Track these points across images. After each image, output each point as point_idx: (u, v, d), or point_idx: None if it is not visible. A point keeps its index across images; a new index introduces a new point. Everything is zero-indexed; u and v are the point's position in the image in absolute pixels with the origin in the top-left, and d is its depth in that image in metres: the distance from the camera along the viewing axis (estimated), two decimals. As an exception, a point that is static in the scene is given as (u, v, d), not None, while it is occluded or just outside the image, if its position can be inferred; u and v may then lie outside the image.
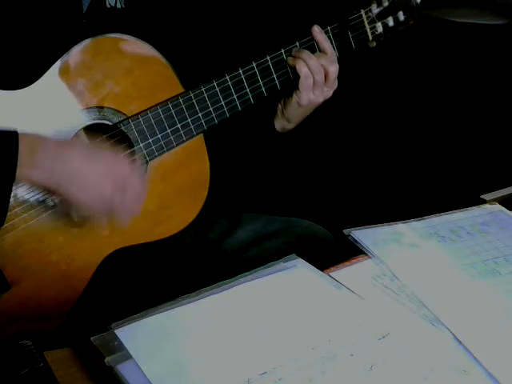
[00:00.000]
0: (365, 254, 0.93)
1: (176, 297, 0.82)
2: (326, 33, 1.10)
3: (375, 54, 1.22)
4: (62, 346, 0.78)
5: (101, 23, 1.04)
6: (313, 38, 1.09)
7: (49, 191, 0.93)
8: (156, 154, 1.05)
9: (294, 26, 1.17)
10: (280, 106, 1.16)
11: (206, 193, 1.09)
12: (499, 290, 0.87)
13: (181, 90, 1.06)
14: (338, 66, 1.10)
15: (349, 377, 0.71)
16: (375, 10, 1.12)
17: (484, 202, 1.06)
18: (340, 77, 1.11)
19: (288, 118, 1.16)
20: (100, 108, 1.00)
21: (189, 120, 1.06)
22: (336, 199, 2.09)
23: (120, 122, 1.02)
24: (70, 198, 0.90)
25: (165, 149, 1.05)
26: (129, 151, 1.03)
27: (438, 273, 0.90)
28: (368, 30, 1.13)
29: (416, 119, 2.16)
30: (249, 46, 1.40)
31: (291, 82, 1.10)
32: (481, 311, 0.84)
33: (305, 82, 1.08)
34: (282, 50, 1.09)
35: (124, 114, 1.02)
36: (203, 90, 1.06)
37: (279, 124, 1.18)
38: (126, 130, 1.02)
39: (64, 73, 0.97)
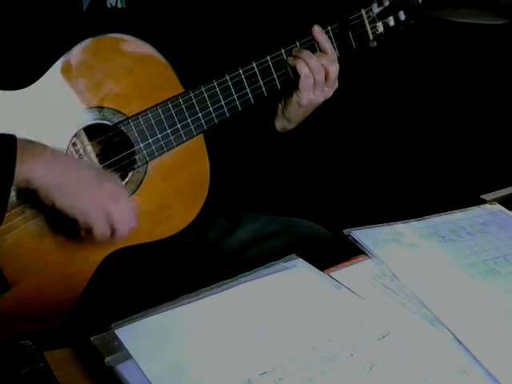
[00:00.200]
0: (365, 254, 0.93)
1: (176, 297, 0.82)
2: (327, 32, 1.10)
3: (376, 53, 1.22)
4: (62, 346, 0.78)
5: (101, 23, 1.04)
6: (313, 38, 1.09)
7: (45, 198, 0.90)
8: (156, 154, 1.05)
9: (295, 25, 1.17)
10: (280, 106, 1.16)
11: (205, 193, 1.09)
12: (499, 290, 0.87)
13: (181, 90, 1.06)
14: (338, 65, 1.10)
15: (349, 377, 0.71)
16: (376, 9, 1.12)
17: (484, 202, 1.06)
18: (340, 77, 1.11)
19: (288, 118, 1.16)
20: (100, 108, 1.00)
21: (189, 120, 1.06)
22: (336, 199, 2.09)
23: (120, 122, 1.02)
24: (68, 202, 0.90)
25: (165, 149, 1.05)
26: (129, 151, 1.03)
27: (438, 273, 0.90)
28: (369, 29, 1.13)
29: (416, 119, 2.16)
30: (249, 45, 1.39)
31: (291, 81, 1.10)
32: (481, 311, 0.84)
33: (305, 81, 1.08)
34: (283, 50, 1.09)
35: (124, 114, 1.02)
36: (203, 89, 1.06)
37: (279, 124, 1.18)
38: (125, 131, 1.02)
39: (64, 73, 0.97)
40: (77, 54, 0.97)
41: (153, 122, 1.03)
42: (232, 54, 1.21)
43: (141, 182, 1.04)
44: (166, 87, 1.05)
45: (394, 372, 0.73)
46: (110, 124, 1.02)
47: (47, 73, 0.96)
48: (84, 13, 1.03)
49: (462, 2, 2.09)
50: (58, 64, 0.97)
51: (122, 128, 1.02)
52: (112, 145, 1.02)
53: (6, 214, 0.93)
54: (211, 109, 1.07)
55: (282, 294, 0.84)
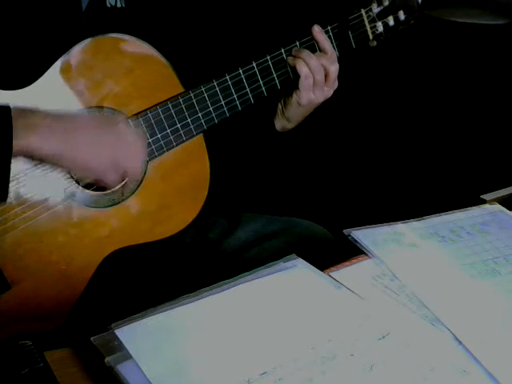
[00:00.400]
0: (365, 254, 0.93)
1: (176, 297, 0.82)
2: (327, 32, 1.10)
3: (376, 53, 1.22)
4: (62, 346, 0.78)
5: (101, 22, 1.04)
6: (313, 38, 1.09)
7: (50, 162, 0.90)
8: (156, 153, 1.05)
9: (294, 25, 1.17)
10: (280, 106, 1.16)
11: (205, 193, 1.09)
12: (499, 290, 0.87)
13: (181, 89, 1.06)
14: (338, 65, 1.10)
15: (349, 377, 0.71)
16: (376, 9, 1.12)
17: (484, 202, 1.06)
18: (340, 76, 1.11)
19: (288, 118, 1.16)
20: (100, 108, 1.00)
21: (189, 120, 1.06)
22: (336, 199, 2.09)
23: (120, 121, 1.02)
24: (74, 163, 0.90)
25: (165, 149, 1.05)
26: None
27: (438, 273, 0.90)
28: (368, 29, 1.13)
29: (416, 119, 2.16)
30: (249, 45, 1.39)
31: (291, 81, 1.10)
32: (481, 311, 0.84)
33: (305, 81, 1.08)
34: (282, 50, 1.09)
35: (124, 114, 1.02)
36: (203, 89, 1.06)
37: (279, 123, 1.18)
38: (125, 130, 1.02)
39: (64, 72, 0.97)
40: (76, 53, 0.97)
41: (152, 121, 1.03)
42: (232, 54, 1.21)
43: (140, 181, 1.04)
44: (165, 87, 1.05)
45: (394, 372, 0.73)
46: (110, 124, 1.02)
47: (47, 73, 0.96)
48: (83, 12, 1.03)
49: (461, 2, 2.09)
50: (58, 64, 0.97)
51: (122, 128, 1.02)
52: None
53: (7, 214, 0.93)
54: (211, 108, 1.07)
55: (281, 294, 0.84)
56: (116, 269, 1.06)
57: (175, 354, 0.74)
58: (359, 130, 2.17)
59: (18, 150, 0.85)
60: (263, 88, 1.09)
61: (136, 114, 1.03)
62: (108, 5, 1.06)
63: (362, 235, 0.95)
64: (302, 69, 1.07)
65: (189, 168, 1.08)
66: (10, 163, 0.85)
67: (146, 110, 1.03)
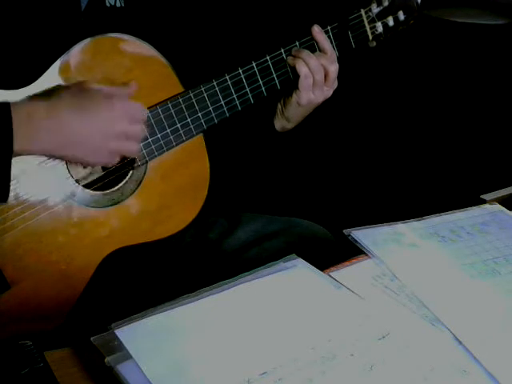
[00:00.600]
0: (365, 254, 0.93)
1: (176, 297, 0.82)
2: (326, 32, 1.10)
3: (375, 53, 1.22)
4: (62, 346, 0.78)
5: (100, 22, 1.04)
6: (313, 38, 1.09)
7: (50, 156, 0.94)
8: (156, 153, 1.04)
9: (294, 25, 1.17)
10: (280, 106, 1.16)
11: (205, 192, 1.09)
12: (499, 290, 0.87)
13: (180, 89, 1.06)
14: (337, 65, 1.10)
15: (349, 377, 0.71)
16: (375, 9, 1.12)
17: (484, 202, 1.06)
18: (340, 76, 1.11)
19: (288, 118, 1.16)
20: (100, 108, 1.00)
21: (188, 120, 1.06)
22: (336, 199, 2.09)
23: (120, 121, 1.02)
24: (73, 158, 0.93)
25: (164, 148, 1.05)
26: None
27: (438, 273, 0.90)
28: (368, 29, 1.13)
29: (416, 119, 2.16)
30: (248, 45, 1.39)
31: (291, 81, 1.10)
32: (481, 311, 0.84)
33: (304, 81, 1.08)
34: (282, 50, 1.09)
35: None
36: (203, 89, 1.06)
37: (279, 123, 1.18)
38: (125, 130, 1.02)
39: (63, 72, 0.97)
40: (76, 54, 0.97)
41: (152, 121, 1.03)
42: (232, 54, 1.21)
43: (140, 181, 1.04)
44: (165, 87, 1.05)
45: (394, 372, 0.72)
46: (110, 124, 1.01)
47: (46, 73, 0.96)
48: (82, 12, 1.03)
49: (461, 2, 2.09)
50: (57, 64, 0.97)
51: (122, 128, 1.02)
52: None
53: (6, 214, 0.93)
54: (211, 108, 1.07)
55: (281, 294, 0.84)
56: (116, 269, 1.06)
57: (175, 354, 0.74)
58: (359, 130, 2.17)
59: (16, 152, 0.86)
60: (263, 88, 1.09)
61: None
62: (107, 4, 1.06)
63: (362, 235, 0.95)
64: (302, 69, 1.07)
65: (189, 168, 1.08)
66: (10, 164, 0.86)
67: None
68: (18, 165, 0.92)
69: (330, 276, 0.88)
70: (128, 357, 0.72)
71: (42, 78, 0.96)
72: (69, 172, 0.98)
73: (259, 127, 1.19)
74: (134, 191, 1.04)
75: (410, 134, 2.16)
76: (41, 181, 0.96)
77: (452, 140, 2.13)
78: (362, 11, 1.12)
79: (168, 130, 1.04)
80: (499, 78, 2.07)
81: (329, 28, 1.11)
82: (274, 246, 1.14)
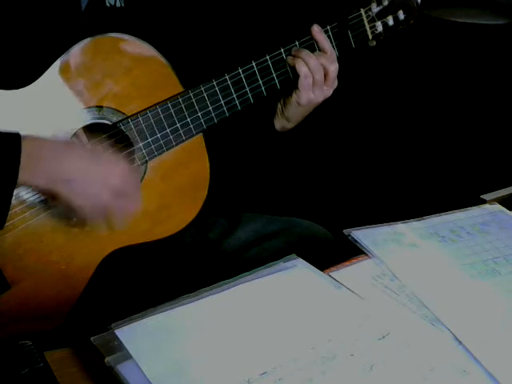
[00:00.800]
0: (365, 254, 0.93)
1: (176, 297, 0.82)
2: (326, 32, 1.10)
3: (375, 53, 1.22)
4: (62, 346, 0.78)
5: (100, 22, 1.04)
6: (312, 38, 1.09)
7: (47, 194, 0.93)
8: (155, 153, 1.04)
9: (294, 25, 1.17)
10: (280, 106, 1.16)
11: (205, 192, 1.09)
12: (499, 290, 0.87)
13: (180, 89, 1.06)
14: (337, 65, 1.10)
15: (349, 377, 0.71)
16: (375, 9, 1.12)
17: (484, 202, 1.06)
18: (340, 76, 1.11)
19: (288, 118, 1.16)
20: (99, 107, 1.00)
21: (188, 119, 1.06)
22: (336, 199, 2.09)
23: (119, 121, 1.02)
24: (69, 202, 0.91)
25: (164, 148, 1.05)
26: (128, 151, 1.03)
27: (438, 273, 0.90)
28: (368, 29, 1.13)
29: (416, 119, 2.16)
30: (248, 45, 1.40)
31: (291, 81, 1.10)
32: (481, 311, 0.84)
33: (304, 81, 1.08)
34: (282, 50, 1.09)
35: (123, 113, 1.02)
36: (202, 89, 1.06)
37: (279, 123, 1.18)
38: (125, 130, 1.02)
39: (63, 72, 0.97)
40: (76, 53, 0.97)
41: (152, 121, 1.03)
42: (231, 54, 1.21)
43: (140, 181, 1.04)
44: (165, 87, 1.05)
45: (394, 372, 0.72)
46: (110, 123, 1.02)
47: (46, 72, 0.96)
48: (82, 12, 1.03)
49: (461, 2, 2.09)
50: (57, 64, 0.97)
51: (122, 127, 1.02)
52: (111, 144, 1.02)
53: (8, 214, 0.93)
54: (211, 108, 1.07)
55: (281, 294, 0.84)
56: (116, 269, 1.06)
57: (175, 354, 0.74)
58: (359, 129, 2.17)
59: (22, 182, 0.87)
60: (263, 88, 1.09)
61: (136, 114, 1.02)
62: (107, 4, 1.06)
63: (362, 235, 0.95)
64: (302, 68, 1.07)
65: (188, 168, 1.08)
66: (11, 196, 0.87)
67: (145, 109, 1.03)
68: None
69: (330, 276, 0.88)
70: (128, 357, 0.72)
71: (41, 77, 0.96)
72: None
73: (259, 127, 1.19)
74: (134, 191, 1.04)
75: (410, 134, 2.16)
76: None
77: (452, 140, 2.13)
78: (362, 11, 1.12)
79: (168, 130, 1.04)
80: (499, 78, 2.07)
81: (328, 27, 1.11)
82: (274, 246, 1.14)
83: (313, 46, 1.10)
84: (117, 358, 0.72)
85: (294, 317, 0.80)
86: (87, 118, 1.00)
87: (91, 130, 1.02)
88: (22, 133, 0.88)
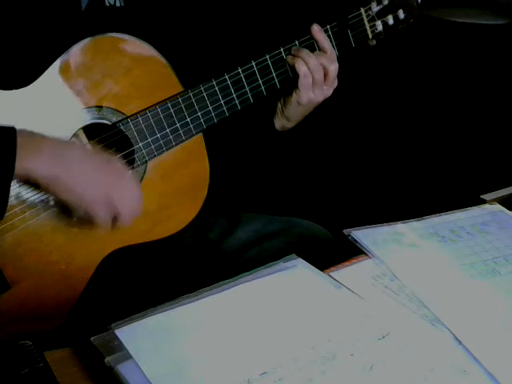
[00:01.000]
0: (365, 254, 0.93)
1: (176, 297, 0.82)
2: (326, 31, 1.10)
3: (375, 52, 1.22)
4: (62, 345, 0.78)
5: (100, 22, 1.04)
6: (312, 37, 1.09)
7: (46, 189, 0.91)
8: (155, 153, 1.04)
9: (294, 24, 1.17)
10: (280, 105, 1.16)
11: (205, 192, 1.09)
12: (499, 290, 0.87)
13: (180, 89, 1.06)
14: (337, 64, 1.10)
15: (349, 377, 0.71)
16: (375, 8, 1.12)
17: (484, 202, 1.06)
18: (340, 76, 1.11)
19: (288, 117, 1.16)
20: (99, 107, 1.00)
21: (188, 119, 1.06)
22: (336, 199, 2.09)
23: (119, 121, 1.02)
24: (68, 192, 0.89)
25: (164, 148, 1.05)
26: (128, 151, 1.03)
27: (438, 273, 0.90)
28: (368, 28, 1.13)
29: (416, 119, 2.16)
30: (248, 45, 1.39)
31: (291, 80, 1.10)
32: (481, 311, 0.83)
33: (304, 81, 1.08)
34: (282, 49, 1.09)
35: (123, 113, 1.02)
36: (202, 89, 1.06)
37: (279, 123, 1.18)
38: (124, 130, 1.02)
39: (63, 72, 0.97)
40: (75, 53, 0.97)
41: (152, 121, 1.03)
42: (231, 53, 1.21)
43: (140, 181, 1.04)
44: (165, 86, 1.05)
45: (394, 372, 0.72)
46: (109, 123, 1.02)
47: (46, 72, 0.96)
48: (82, 12, 1.03)
49: (461, 2, 2.09)
50: (57, 63, 0.97)
51: (121, 127, 1.02)
52: (111, 144, 1.02)
53: (6, 214, 0.93)
54: (210, 108, 1.07)
55: (281, 294, 0.84)
56: (116, 269, 1.06)
57: (175, 354, 0.74)
58: (359, 129, 2.17)
59: (20, 173, 0.86)
60: (262, 87, 1.09)
61: (135, 114, 1.02)
62: (107, 4, 1.06)
63: (362, 235, 0.95)
64: (301, 68, 1.07)
65: (188, 168, 1.08)
66: (9, 186, 0.86)
67: (145, 109, 1.03)
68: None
69: (330, 276, 0.88)
70: (128, 357, 0.72)
71: (41, 77, 0.96)
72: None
73: (259, 126, 1.19)
74: (134, 191, 1.03)
75: (410, 134, 2.16)
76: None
77: (452, 140, 2.13)
78: (362, 10, 1.12)
79: (167, 130, 1.04)
80: (499, 78, 2.07)
81: (328, 27, 1.10)
82: (274, 246, 1.14)
83: (313, 46, 1.10)
84: (117, 358, 0.72)
85: (294, 317, 0.80)
86: (87, 118, 1.00)
87: (91, 130, 1.02)
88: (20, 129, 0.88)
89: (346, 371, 0.72)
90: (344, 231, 0.96)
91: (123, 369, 0.71)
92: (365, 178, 2.15)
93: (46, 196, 0.96)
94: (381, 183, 2.13)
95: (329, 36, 1.10)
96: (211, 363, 0.73)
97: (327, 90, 1.11)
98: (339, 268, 0.90)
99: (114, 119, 1.02)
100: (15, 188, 0.94)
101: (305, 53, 1.07)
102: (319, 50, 1.10)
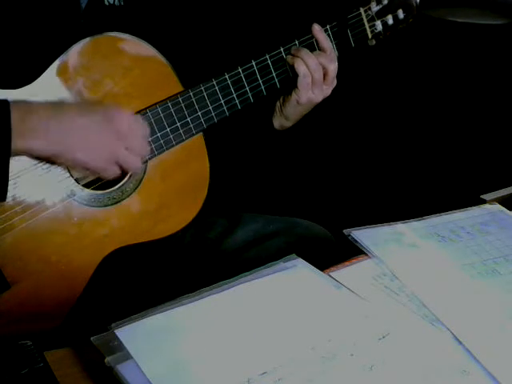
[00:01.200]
0: (365, 254, 0.93)
1: (176, 297, 0.82)
2: (326, 31, 1.10)
3: (375, 52, 1.22)
4: (62, 345, 0.78)
5: (99, 21, 1.04)
6: (312, 37, 1.09)
7: (49, 160, 0.92)
8: (155, 152, 1.04)
9: (294, 24, 1.17)
10: (278, 104, 1.16)
11: (205, 192, 1.09)
12: (499, 290, 0.87)
13: (180, 88, 1.06)
14: (337, 64, 1.10)
15: (349, 377, 0.71)
16: (374, 8, 1.12)
17: (484, 202, 1.06)
18: (339, 76, 1.11)
19: (286, 116, 1.16)
20: (99, 107, 1.00)
21: (188, 119, 1.06)
22: (336, 199, 2.09)
23: (119, 121, 1.02)
24: (73, 162, 0.91)
25: (164, 148, 1.05)
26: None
27: (438, 273, 0.90)
28: (367, 28, 1.13)
29: (416, 119, 2.16)
30: (248, 44, 1.39)
31: (290, 80, 1.10)
32: (481, 311, 0.83)
33: (303, 80, 1.08)
34: (282, 49, 1.09)
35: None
36: (202, 88, 1.06)
37: (277, 122, 1.18)
38: (125, 130, 1.02)
39: (63, 72, 0.97)
40: (75, 53, 0.97)
41: (152, 120, 1.03)
42: (231, 53, 1.21)
43: (140, 181, 1.04)
44: (165, 86, 1.05)
45: (394, 372, 0.72)
46: (110, 123, 1.01)
47: (45, 72, 0.96)
48: (82, 11, 1.03)
49: (461, 2, 2.09)
50: (56, 63, 0.97)
51: (122, 127, 1.02)
52: None
53: (6, 214, 0.93)
54: (210, 108, 1.07)
55: (281, 294, 0.84)
56: (116, 268, 1.05)
57: (175, 354, 0.74)
58: (359, 129, 2.17)
59: (16, 151, 0.86)
60: (262, 87, 1.09)
61: (135, 114, 1.02)
62: (106, 3, 1.06)
63: (362, 235, 0.95)
64: (301, 68, 1.07)
65: (188, 167, 1.08)
66: (8, 163, 0.85)
67: (145, 108, 1.03)
68: (17, 164, 0.92)
69: (330, 276, 0.88)
70: (128, 357, 0.72)
71: (41, 77, 0.96)
72: (68, 171, 0.98)
73: (258, 125, 1.19)
74: (134, 190, 1.04)
75: (410, 134, 2.16)
76: (40, 180, 0.96)
77: (452, 140, 2.13)
78: (362, 10, 1.12)
79: (168, 129, 1.04)
80: (499, 78, 2.07)
81: (328, 27, 1.10)
82: (274, 246, 1.14)
83: (312, 46, 1.10)
84: (117, 358, 0.72)
85: (294, 317, 0.80)
86: (87, 118, 0.99)
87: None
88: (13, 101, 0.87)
89: (346, 371, 0.72)
90: (344, 231, 0.96)
91: (123, 369, 0.71)
92: (365, 178, 2.15)
93: (45, 195, 0.96)
94: (381, 183, 2.13)
95: (328, 36, 1.10)
96: (211, 363, 0.73)
97: (326, 90, 1.11)
98: (339, 268, 0.90)
99: (114, 119, 1.01)
100: (15, 187, 0.94)
101: (304, 52, 1.07)
102: (319, 49, 1.10)
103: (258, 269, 0.88)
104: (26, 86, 0.95)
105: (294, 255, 0.91)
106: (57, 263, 0.99)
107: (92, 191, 1.00)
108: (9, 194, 0.90)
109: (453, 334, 0.79)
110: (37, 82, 0.96)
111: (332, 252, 1.14)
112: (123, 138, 0.93)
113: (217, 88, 1.06)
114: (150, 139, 1.03)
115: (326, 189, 2.11)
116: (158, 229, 1.06)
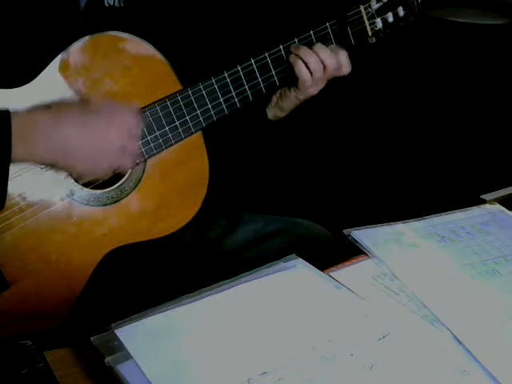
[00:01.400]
0: (365, 254, 0.93)
1: (176, 297, 0.82)
2: (325, 29, 1.10)
3: (375, 51, 1.22)
4: (62, 346, 0.78)
5: (99, 22, 1.04)
6: (311, 35, 1.09)
7: (49, 166, 0.94)
8: (154, 151, 1.04)
9: (293, 22, 1.17)
10: (275, 98, 1.15)
11: (205, 191, 1.09)
12: (499, 290, 0.87)
13: (179, 87, 1.06)
14: (336, 59, 1.09)
15: (349, 377, 0.71)
16: (375, 5, 1.12)
17: (484, 202, 1.06)
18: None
19: (282, 108, 1.16)
20: (99, 107, 1.00)
21: (187, 117, 1.06)
22: (336, 199, 2.09)
23: (119, 120, 1.02)
24: (70, 170, 0.93)
25: (163, 146, 1.05)
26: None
27: (438, 273, 0.90)
28: (367, 25, 1.12)
29: (416, 119, 2.16)
30: (247, 42, 1.39)
31: (290, 77, 1.10)
32: (481, 311, 0.83)
33: (304, 82, 1.08)
34: (281, 47, 1.09)
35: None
36: (201, 87, 1.06)
37: (271, 112, 1.17)
38: (125, 129, 1.02)
39: (62, 71, 0.97)
40: (74, 52, 0.97)
41: (151, 119, 1.03)
42: (230, 51, 1.21)
43: (139, 180, 1.04)
44: (164, 85, 1.05)
45: (394, 372, 0.72)
46: (109, 123, 1.01)
47: (45, 71, 0.96)
48: (81, 11, 1.03)
49: (461, 2, 2.09)
50: (56, 62, 0.96)
51: (121, 127, 1.02)
52: None
53: (5, 213, 0.93)
54: (210, 106, 1.07)
55: (281, 294, 0.84)
56: (115, 268, 1.05)
57: (175, 354, 0.73)
58: (359, 129, 2.17)
59: (15, 160, 0.87)
60: (262, 85, 1.09)
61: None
62: (106, 4, 1.06)
63: (362, 235, 0.95)
64: (302, 70, 1.07)
65: (188, 166, 1.08)
66: (7, 174, 0.87)
67: (144, 107, 1.03)
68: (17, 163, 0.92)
69: (330, 276, 0.88)
70: (128, 357, 0.72)
71: (40, 75, 0.96)
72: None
73: (251, 116, 1.18)
74: (133, 189, 1.04)
75: (410, 134, 2.16)
76: (40, 179, 0.96)
77: (452, 140, 2.13)
78: (362, 7, 1.12)
79: (167, 128, 1.04)
80: (499, 78, 2.07)
81: (328, 24, 1.10)
82: (274, 246, 1.14)
83: (311, 43, 1.09)
84: (117, 358, 0.72)
85: (294, 317, 0.80)
86: (87, 117, 0.99)
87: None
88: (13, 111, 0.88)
89: (346, 371, 0.72)
90: (344, 231, 0.96)
91: (123, 369, 0.71)
92: (365, 177, 2.15)
93: (45, 195, 0.96)
94: (381, 183, 2.13)
95: (328, 33, 1.10)
96: (211, 363, 0.73)
97: (322, 83, 1.11)
98: (339, 268, 0.90)
99: (114, 118, 1.01)
100: (14, 187, 0.93)
101: (304, 51, 1.07)
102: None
103: (258, 269, 0.88)
104: (26, 85, 0.95)
105: (294, 255, 0.91)
106: (56, 262, 0.98)
107: (91, 190, 1.00)
108: (8, 194, 0.90)
109: (453, 334, 0.79)
110: (36, 81, 0.95)
111: (332, 252, 1.14)
112: (118, 140, 0.95)
113: (216, 87, 1.06)
114: (148, 138, 1.03)
115: (325, 189, 2.11)
116: (158, 228, 1.06)
